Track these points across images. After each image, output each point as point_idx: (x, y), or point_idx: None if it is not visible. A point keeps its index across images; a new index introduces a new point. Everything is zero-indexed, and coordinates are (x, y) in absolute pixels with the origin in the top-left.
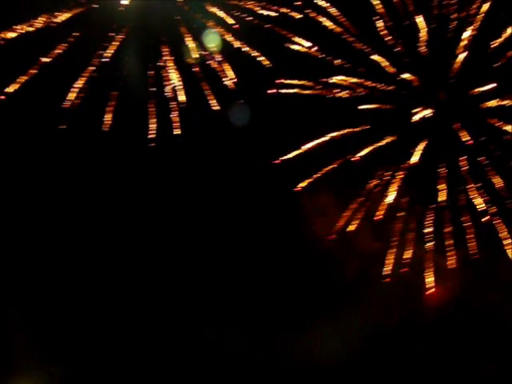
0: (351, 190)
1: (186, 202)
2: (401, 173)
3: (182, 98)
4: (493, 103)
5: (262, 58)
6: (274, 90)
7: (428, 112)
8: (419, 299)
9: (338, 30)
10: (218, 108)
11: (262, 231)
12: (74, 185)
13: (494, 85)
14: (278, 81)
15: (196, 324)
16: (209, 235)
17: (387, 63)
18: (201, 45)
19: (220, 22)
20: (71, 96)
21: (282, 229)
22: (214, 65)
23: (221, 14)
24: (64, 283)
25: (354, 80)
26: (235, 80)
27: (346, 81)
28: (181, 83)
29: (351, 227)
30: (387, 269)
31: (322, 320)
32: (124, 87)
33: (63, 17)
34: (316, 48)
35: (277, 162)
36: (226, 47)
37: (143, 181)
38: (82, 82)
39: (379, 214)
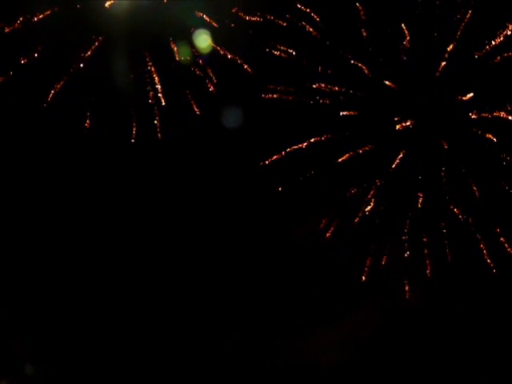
0: (330, 196)
1: (171, 208)
2: (379, 180)
3: (163, 102)
4: (474, 113)
5: (245, 64)
6: (257, 95)
7: (409, 123)
8: (398, 305)
9: (320, 36)
10: (199, 113)
11: (248, 235)
12: (52, 188)
13: (473, 94)
14: (260, 86)
15: (194, 326)
16: (199, 238)
17: (369, 70)
18: (184, 48)
19: (204, 26)
20: (50, 99)
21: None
22: (197, 69)
23: (205, 18)
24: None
25: (336, 87)
26: (216, 85)
27: (327, 87)
28: (159, 87)
29: (329, 233)
30: (365, 275)
31: (305, 324)
32: (105, 91)
33: (43, 16)
34: (297, 54)
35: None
36: (209, 51)
37: (124, 186)
38: (61, 84)
39: (357, 221)
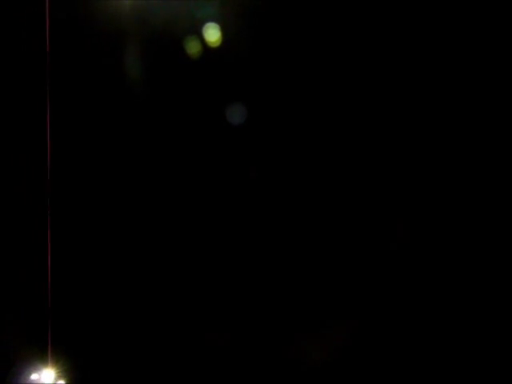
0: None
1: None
2: None
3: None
4: None
5: (257, 57)
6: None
7: None
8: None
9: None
10: (212, 107)
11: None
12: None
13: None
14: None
15: (191, 325)
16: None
17: None
18: (198, 41)
19: (218, 19)
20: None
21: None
22: (209, 63)
23: (221, 10)
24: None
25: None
26: (230, 79)
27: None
28: (175, 82)
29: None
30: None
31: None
32: (116, 85)
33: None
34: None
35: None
36: (222, 45)
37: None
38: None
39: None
